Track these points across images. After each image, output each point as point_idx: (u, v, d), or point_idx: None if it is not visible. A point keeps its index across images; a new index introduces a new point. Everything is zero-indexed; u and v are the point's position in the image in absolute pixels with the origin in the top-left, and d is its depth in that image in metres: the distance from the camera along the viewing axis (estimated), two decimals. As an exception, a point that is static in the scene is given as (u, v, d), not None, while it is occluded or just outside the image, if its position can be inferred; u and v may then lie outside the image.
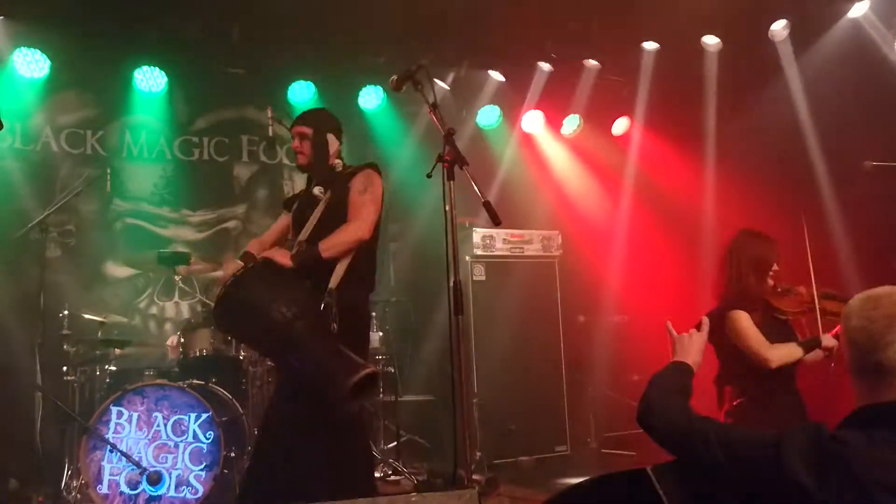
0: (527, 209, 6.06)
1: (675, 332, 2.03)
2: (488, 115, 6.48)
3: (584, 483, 1.77)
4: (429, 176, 2.52)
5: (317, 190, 3.18)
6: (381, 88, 6.14)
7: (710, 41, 5.67)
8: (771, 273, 3.26)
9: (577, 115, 6.55)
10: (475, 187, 2.41)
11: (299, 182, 6.47)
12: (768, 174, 5.25)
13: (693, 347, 1.96)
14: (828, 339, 3.14)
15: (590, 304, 6.03)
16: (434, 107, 2.55)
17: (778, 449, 1.42)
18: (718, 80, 5.69)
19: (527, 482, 4.77)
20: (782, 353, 3.10)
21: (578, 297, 5.88)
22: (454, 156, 2.45)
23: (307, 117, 3.37)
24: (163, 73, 5.60)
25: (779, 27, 5.46)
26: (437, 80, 5.35)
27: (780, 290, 3.32)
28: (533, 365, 5.40)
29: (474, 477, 4.35)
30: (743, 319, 3.15)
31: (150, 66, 5.55)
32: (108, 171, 4.69)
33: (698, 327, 2.04)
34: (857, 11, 5.24)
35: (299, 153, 3.28)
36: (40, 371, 4.32)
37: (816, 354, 3.17)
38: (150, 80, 5.60)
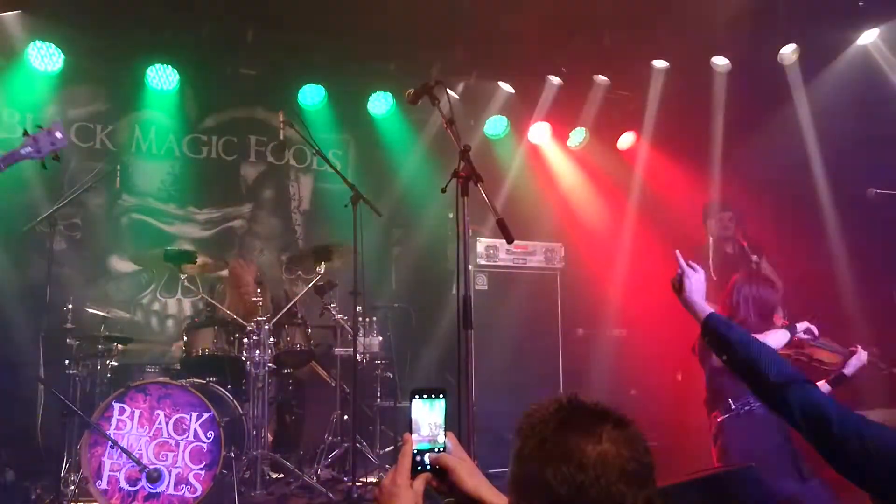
0: (531, 220, 6.09)
1: (685, 265, 2.11)
2: (496, 126, 6.52)
3: None
4: (443, 191, 2.54)
5: None
6: (390, 94, 6.17)
7: (720, 62, 5.69)
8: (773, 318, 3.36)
9: (583, 128, 6.59)
10: (490, 205, 2.43)
11: (305, 184, 6.51)
12: (773, 196, 5.28)
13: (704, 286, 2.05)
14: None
15: (590, 318, 6.05)
16: (451, 122, 2.58)
17: None
18: (727, 101, 5.72)
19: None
20: None
21: (579, 310, 5.91)
22: (469, 172, 2.47)
23: None
24: (175, 71, 5.62)
25: (788, 51, 5.49)
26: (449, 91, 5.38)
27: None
28: (531, 375, 5.41)
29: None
30: None
31: (163, 64, 5.57)
32: (119, 167, 4.71)
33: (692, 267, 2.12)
34: (866, 39, 5.28)
35: None
36: (43, 364, 4.34)
37: None
38: (162, 78, 5.62)
